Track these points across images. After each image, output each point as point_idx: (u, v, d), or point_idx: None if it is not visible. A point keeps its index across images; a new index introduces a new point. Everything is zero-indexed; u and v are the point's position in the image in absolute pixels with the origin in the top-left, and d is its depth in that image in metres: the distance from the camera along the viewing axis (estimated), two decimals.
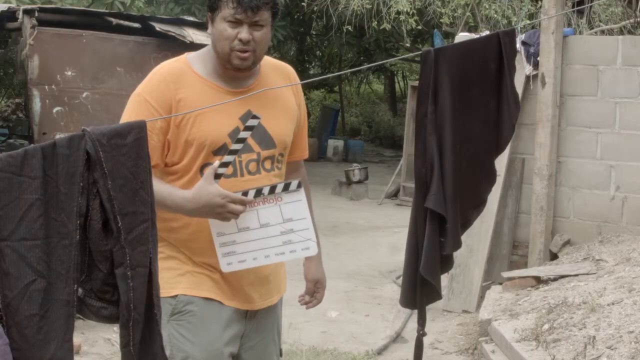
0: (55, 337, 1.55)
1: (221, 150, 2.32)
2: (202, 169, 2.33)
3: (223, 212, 2.22)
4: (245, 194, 2.25)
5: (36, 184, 1.52)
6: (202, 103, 2.30)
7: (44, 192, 1.52)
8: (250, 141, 2.36)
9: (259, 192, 2.27)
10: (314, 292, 2.66)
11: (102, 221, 1.62)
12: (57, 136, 1.59)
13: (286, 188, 2.29)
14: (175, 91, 2.31)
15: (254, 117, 2.25)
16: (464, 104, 2.58)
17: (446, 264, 2.66)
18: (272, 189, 2.28)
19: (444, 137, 2.51)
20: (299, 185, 2.31)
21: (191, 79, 2.35)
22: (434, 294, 2.64)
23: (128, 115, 2.31)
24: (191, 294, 2.34)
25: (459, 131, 2.55)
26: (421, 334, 2.70)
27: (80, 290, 1.64)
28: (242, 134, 2.26)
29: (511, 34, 2.73)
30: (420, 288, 2.59)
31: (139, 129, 1.66)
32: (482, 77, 2.65)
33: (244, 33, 2.27)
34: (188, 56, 2.42)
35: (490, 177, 2.78)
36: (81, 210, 1.58)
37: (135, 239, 1.65)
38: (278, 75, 2.50)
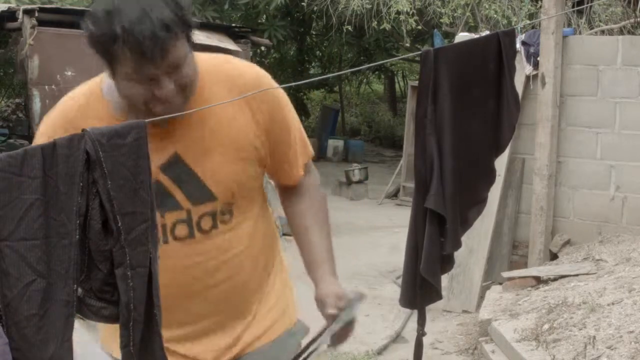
0: (55, 337, 1.55)
1: None
2: None
3: None
4: None
5: (36, 184, 1.51)
6: None
7: (43, 192, 1.52)
8: (177, 194, 1.85)
9: None
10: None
11: (101, 221, 1.62)
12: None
13: None
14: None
15: (360, 296, 1.87)
16: (463, 104, 2.57)
17: (447, 263, 2.65)
18: None
19: (443, 137, 2.51)
20: None
21: (99, 112, 1.81)
22: (434, 294, 2.64)
23: None
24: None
25: (459, 131, 2.55)
26: (421, 334, 2.70)
27: (79, 290, 1.64)
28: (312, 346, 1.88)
29: (511, 34, 2.72)
30: (420, 288, 2.59)
31: (138, 129, 1.65)
32: (482, 77, 2.65)
33: (160, 89, 1.70)
34: (105, 78, 1.85)
35: (490, 177, 2.78)
36: (81, 210, 1.58)
37: (135, 239, 1.65)
38: (228, 92, 1.83)
